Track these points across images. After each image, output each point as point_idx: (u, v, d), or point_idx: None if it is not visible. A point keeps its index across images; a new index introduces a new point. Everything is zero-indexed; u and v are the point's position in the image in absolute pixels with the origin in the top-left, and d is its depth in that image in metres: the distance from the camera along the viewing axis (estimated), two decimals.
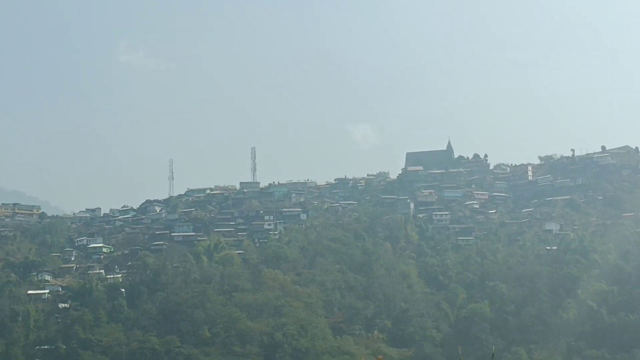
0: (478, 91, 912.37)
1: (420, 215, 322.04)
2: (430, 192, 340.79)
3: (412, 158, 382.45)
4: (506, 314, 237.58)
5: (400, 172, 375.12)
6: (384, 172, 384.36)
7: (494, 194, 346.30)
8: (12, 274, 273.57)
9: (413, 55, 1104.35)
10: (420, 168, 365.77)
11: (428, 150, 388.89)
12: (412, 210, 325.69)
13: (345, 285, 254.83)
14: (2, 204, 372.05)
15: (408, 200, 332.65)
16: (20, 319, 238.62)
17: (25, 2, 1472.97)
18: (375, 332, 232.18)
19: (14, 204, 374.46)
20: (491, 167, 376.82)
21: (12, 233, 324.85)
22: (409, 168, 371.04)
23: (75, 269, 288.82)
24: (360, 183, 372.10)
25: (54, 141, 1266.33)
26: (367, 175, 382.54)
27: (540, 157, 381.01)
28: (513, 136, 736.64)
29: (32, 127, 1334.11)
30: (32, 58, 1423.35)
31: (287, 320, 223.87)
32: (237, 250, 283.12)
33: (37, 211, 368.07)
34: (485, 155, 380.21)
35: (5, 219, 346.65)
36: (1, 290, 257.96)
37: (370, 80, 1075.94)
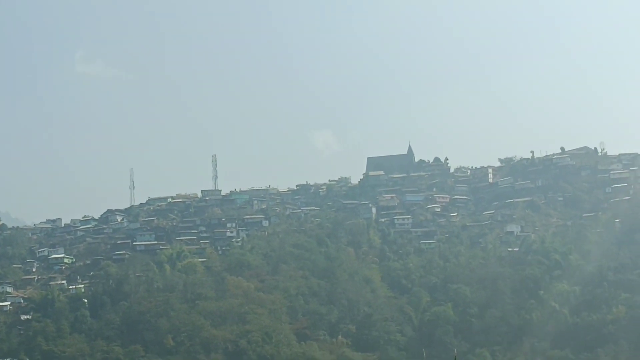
0: (438, 94, 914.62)
1: (382, 220, 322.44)
2: (392, 197, 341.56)
3: (373, 163, 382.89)
4: (470, 316, 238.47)
5: (361, 177, 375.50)
6: (346, 178, 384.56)
7: (455, 197, 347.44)
8: None
9: (372, 60, 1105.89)
10: (382, 173, 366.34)
11: (389, 154, 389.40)
12: (374, 215, 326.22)
13: (308, 291, 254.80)
14: None
15: (370, 205, 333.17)
16: None
17: None
18: (340, 337, 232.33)
19: None
20: (452, 170, 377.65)
21: None
22: (370, 173, 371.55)
23: (37, 280, 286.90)
24: (322, 189, 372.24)
25: (12, 152, 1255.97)
26: (329, 180, 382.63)
27: (500, 160, 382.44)
28: (473, 139, 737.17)
29: None
30: None
31: (252, 327, 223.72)
32: (200, 258, 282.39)
33: None
34: (446, 159, 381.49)
35: None
36: None
37: (330, 87, 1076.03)
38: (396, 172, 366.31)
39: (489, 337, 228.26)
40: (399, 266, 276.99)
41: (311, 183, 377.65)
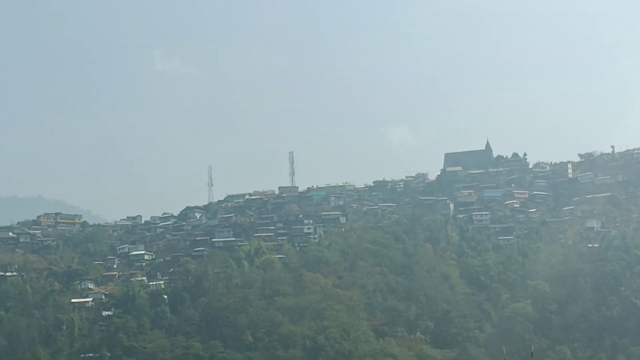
0: (516, 90, 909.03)
1: (460, 216, 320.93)
2: (470, 193, 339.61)
3: (451, 159, 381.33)
4: (549, 313, 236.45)
5: (439, 173, 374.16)
6: (423, 174, 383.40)
7: (534, 192, 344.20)
8: (56, 283, 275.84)
9: (448, 55, 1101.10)
10: (459, 168, 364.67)
11: (466, 150, 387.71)
12: (451, 211, 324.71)
13: (386, 288, 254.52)
14: (45, 213, 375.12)
15: (447, 201, 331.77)
16: (64, 327, 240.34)
17: (62, 12, 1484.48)
18: (418, 333, 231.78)
19: (56, 214, 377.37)
20: (530, 165, 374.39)
21: (54, 242, 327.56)
22: (448, 169, 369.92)
23: (118, 276, 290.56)
24: (399, 185, 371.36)
25: (94, 150, 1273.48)
26: (406, 177, 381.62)
27: (580, 155, 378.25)
28: (552, 134, 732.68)
29: (72, 137, 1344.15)
30: (69, 68, 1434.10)
31: (330, 324, 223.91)
32: (278, 254, 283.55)
33: (79, 220, 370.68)
34: (525, 154, 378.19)
35: (48, 229, 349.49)
36: (45, 299, 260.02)
37: (406, 83, 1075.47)
38: (474, 168, 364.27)
39: (569, 334, 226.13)
40: (478, 262, 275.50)
41: (388, 179, 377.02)
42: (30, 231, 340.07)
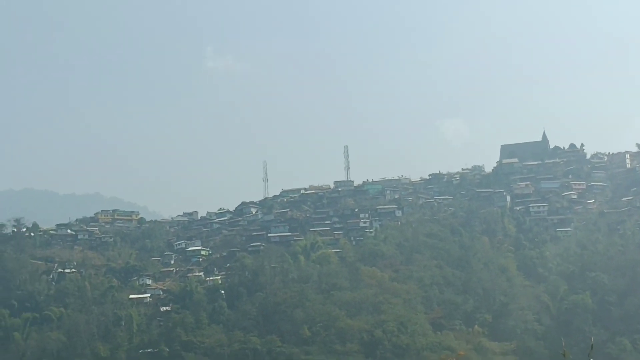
0: (572, 80, 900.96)
1: (517, 208, 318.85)
2: (527, 184, 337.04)
3: (507, 150, 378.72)
4: (609, 304, 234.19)
5: (495, 165, 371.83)
6: (479, 166, 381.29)
7: (592, 183, 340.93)
8: (114, 279, 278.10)
9: (502, 47, 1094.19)
10: (516, 160, 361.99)
11: (523, 142, 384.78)
12: (508, 203, 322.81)
13: (443, 281, 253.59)
14: (102, 210, 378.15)
15: (504, 193, 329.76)
16: (123, 323, 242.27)
17: (112, 9, 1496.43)
18: (476, 326, 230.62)
19: (113, 210, 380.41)
20: (588, 156, 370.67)
21: (112, 239, 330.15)
22: (504, 161, 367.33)
23: (175, 272, 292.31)
24: (455, 178, 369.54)
25: (150, 147, 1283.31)
26: (462, 169, 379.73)
27: (638, 145, 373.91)
28: (609, 124, 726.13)
29: (127, 134, 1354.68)
30: (122, 66, 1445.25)
31: (387, 317, 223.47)
32: (334, 248, 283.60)
33: (136, 217, 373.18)
34: (582, 145, 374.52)
35: (106, 226, 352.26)
36: (104, 295, 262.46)
37: (459, 76, 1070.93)
38: (530, 160, 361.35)
39: (629, 325, 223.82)
40: (535, 254, 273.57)
41: (444, 172, 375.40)
42: (88, 228, 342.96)
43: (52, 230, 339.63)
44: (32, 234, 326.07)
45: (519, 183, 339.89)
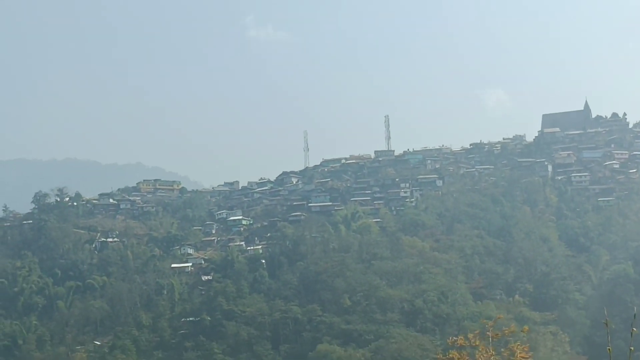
0: (614, 48, 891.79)
1: (559, 177, 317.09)
2: (569, 154, 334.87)
3: (549, 120, 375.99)
4: None
5: (536, 135, 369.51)
6: (520, 135, 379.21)
7: (635, 152, 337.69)
8: (156, 249, 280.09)
9: (544, 16, 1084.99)
10: (557, 129, 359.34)
11: (565, 111, 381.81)
12: (550, 173, 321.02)
13: (484, 250, 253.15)
14: (144, 180, 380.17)
15: (545, 163, 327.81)
16: (165, 292, 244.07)
17: None
18: (517, 296, 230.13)
19: (155, 180, 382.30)
20: (630, 125, 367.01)
21: (154, 208, 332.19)
22: (546, 130, 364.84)
23: (216, 241, 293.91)
24: (496, 147, 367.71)
25: (191, 117, 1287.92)
26: (503, 139, 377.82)
27: None
28: None
29: (169, 104, 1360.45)
30: (166, 36, 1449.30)
31: (427, 287, 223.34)
32: (374, 218, 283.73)
33: (178, 186, 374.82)
34: (624, 114, 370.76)
35: (148, 195, 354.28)
36: (146, 264, 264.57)
37: (501, 46, 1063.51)
38: (572, 129, 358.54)
39: None
40: (577, 224, 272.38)
41: (485, 142, 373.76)
42: (130, 198, 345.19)
43: (94, 199, 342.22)
44: (75, 204, 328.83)
45: (561, 152, 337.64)
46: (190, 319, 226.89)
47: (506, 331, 37.36)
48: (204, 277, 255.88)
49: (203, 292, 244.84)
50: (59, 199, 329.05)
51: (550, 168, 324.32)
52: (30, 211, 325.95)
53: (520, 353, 34.40)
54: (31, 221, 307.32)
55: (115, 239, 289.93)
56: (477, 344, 34.83)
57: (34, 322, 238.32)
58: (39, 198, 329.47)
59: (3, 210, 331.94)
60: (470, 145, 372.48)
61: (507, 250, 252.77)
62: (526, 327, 45.16)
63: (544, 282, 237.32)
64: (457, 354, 34.86)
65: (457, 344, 35.39)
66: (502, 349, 35.30)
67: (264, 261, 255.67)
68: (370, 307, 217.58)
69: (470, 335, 36.01)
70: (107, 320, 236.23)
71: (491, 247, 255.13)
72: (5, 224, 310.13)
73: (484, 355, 34.27)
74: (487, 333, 35.70)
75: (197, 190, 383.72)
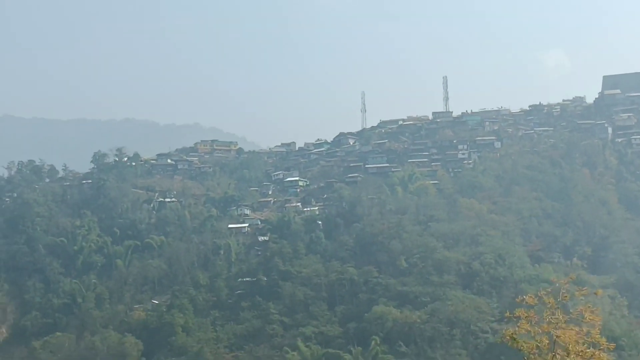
0: None
1: (619, 140, 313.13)
2: (629, 116, 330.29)
3: (609, 81, 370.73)
4: None
5: (596, 97, 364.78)
6: (580, 97, 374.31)
7: None
8: (213, 209, 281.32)
9: None
10: (618, 91, 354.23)
11: (626, 72, 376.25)
12: (610, 135, 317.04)
13: (542, 213, 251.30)
14: (201, 141, 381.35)
15: (606, 125, 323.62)
16: (222, 252, 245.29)
17: None
18: (575, 259, 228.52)
19: (212, 141, 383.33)
20: None
21: (211, 169, 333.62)
22: (606, 92, 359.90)
23: (273, 202, 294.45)
24: (555, 109, 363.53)
25: (249, 78, 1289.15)
26: (562, 100, 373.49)
27: None
28: None
29: (227, 66, 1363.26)
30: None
31: (484, 249, 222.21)
32: (432, 180, 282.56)
33: (235, 147, 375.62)
34: None
35: (205, 156, 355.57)
36: (203, 224, 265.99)
37: (561, 6, 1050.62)
38: (633, 91, 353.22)
39: None
40: (637, 187, 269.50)
41: (544, 103, 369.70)
42: (187, 158, 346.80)
43: (152, 160, 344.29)
44: (134, 164, 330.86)
45: (621, 114, 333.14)
46: (247, 279, 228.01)
47: (578, 293, 37.24)
48: (261, 238, 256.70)
49: (259, 253, 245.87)
50: (117, 159, 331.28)
51: (610, 130, 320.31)
52: (89, 171, 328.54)
53: (589, 315, 34.19)
54: (90, 181, 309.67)
55: (173, 199, 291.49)
56: (549, 301, 34.64)
57: (93, 280, 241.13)
58: (98, 158, 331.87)
59: (63, 169, 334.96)
60: (529, 107, 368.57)
61: (565, 213, 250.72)
62: (599, 291, 44.78)
63: (603, 245, 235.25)
64: (525, 312, 34.69)
65: (525, 302, 35.19)
66: (571, 310, 35.08)
67: (320, 222, 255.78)
68: (426, 269, 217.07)
69: (540, 293, 35.87)
70: (164, 280, 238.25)
71: (549, 209, 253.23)
72: (65, 184, 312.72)
73: (552, 315, 34.01)
74: (551, 294, 35.51)
75: (254, 151, 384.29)
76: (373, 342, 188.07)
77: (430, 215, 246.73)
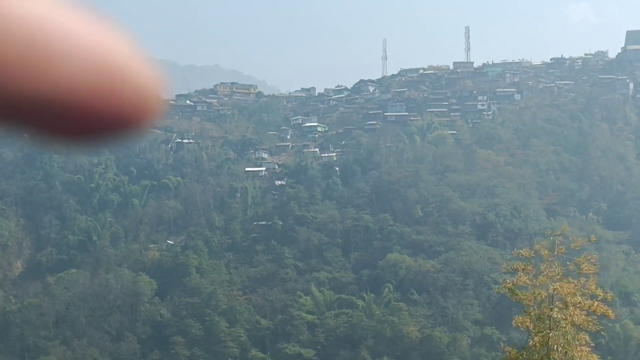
0: None
1: None
2: None
3: (633, 36, 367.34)
4: None
5: (619, 52, 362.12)
6: (602, 52, 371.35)
7: None
8: (231, 152, 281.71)
9: None
10: None
11: None
12: (631, 91, 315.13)
13: (559, 167, 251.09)
14: (221, 83, 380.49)
15: (627, 80, 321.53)
16: (238, 195, 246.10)
17: None
18: (590, 214, 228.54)
19: (232, 83, 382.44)
20: None
21: (230, 112, 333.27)
22: (629, 47, 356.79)
23: (291, 147, 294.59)
24: (577, 63, 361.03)
25: (270, 22, 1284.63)
26: (585, 54, 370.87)
27: None
28: None
29: (247, 7, 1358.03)
30: None
31: (500, 201, 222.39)
32: (450, 130, 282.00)
33: (254, 90, 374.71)
34: None
35: (224, 98, 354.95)
36: (220, 167, 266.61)
37: None
38: None
39: None
40: None
41: (566, 57, 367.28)
42: (206, 100, 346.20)
43: (171, 100, 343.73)
44: None
45: None
46: (262, 222, 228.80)
47: (574, 245, 37.37)
48: (277, 182, 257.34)
49: (276, 197, 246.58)
50: None
51: (631, 86, 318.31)
52: None
53: (585, 266, 34.31)
54: None
55: (191, 140, 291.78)
56: (545, 254, 34.77)
57: (109, 218, 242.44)
58: None
59: None
60: (551, 60, 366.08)
61: (582, 167, 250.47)
62: (593, 237, 45.02)
63: (619, 201, 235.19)
64: (522, 265, 34.84)
65: (522, 255, 35.36)
66: (568, 262, 35.27)
67: (337, 169, 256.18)
68: (441, 219, 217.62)
69: (537, 246, 36.04)
70: (180, 220, 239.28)
71: (567, 163, 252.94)
72: None
73: (549, 267, 34.19)
74: (555, 246, 35.68)
75: (273, 95, 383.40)
76: (386, 289, 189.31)
77: (447, 165, 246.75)
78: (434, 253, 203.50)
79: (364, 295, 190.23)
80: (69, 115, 1.50)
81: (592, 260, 35.04)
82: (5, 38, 1.37)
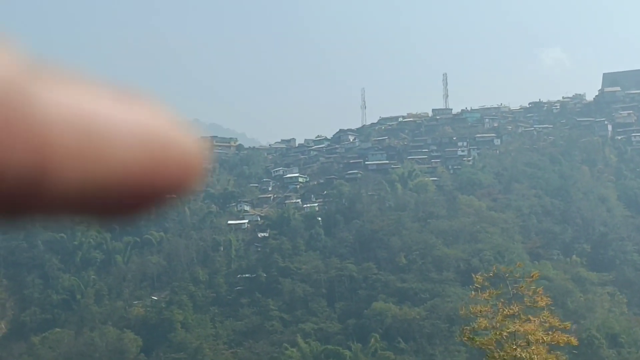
0: None
1: (619, 137, 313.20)
2: (629, 113, 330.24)
3: (609, 79, 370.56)
4: None
5: (596, 94, 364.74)
6: (580, 94, 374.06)
7: None
8: (213, 205, 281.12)
9: None
10: (618, 89, 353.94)
11: (626, 70, 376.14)
12: (610, 133, 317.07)
13: (542, 210, 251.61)
14: (201, 137, 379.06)
15: (605, 122, 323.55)
16: (221, 248, 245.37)
17: None
18: (574, 256, 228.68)
19: (212, 137, 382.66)
20: None
21: (211, 165, 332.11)
22: (606, 89, 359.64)
23: (273, 198, 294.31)
24: (555, 106, 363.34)
25: (249, 74, 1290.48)
26: (562, 97, 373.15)
27: None
28: None
29: (227, 61, 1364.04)
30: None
31: (484, 246, 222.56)
32: (431, 177, 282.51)
33: (234, 143, 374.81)
34: None
35: (204, 152, 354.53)
36: (203, 221, 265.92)
37: (559, 4, 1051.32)
38: (634, 88, 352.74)
39: None
40: (637, 185, 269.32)
41: (544, 100, 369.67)
42: None
43: None
44: None
45: (621, 112, 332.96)
46: (246, 275, 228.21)
47: (528, 280, 38.57)
48: (260, 234, 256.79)
49: (259, 249, 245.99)
50: None
51: (610, 128, 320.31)
52: None
53: (540, 298, 34.90)
54: None
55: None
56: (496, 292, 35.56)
57: (92, 276, 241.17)
58: None
59: None
60: (529, 104, 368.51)
61: (564, 210, 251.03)
62: (536, 273, 45.56)
63: (602, 242, 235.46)
64: (479, 308, 35.43)
65: (476, 297, 36.04)
66: (525, 298, 36.04)
67: (320, 219, 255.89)
68: (426, 266, 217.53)
69: (477, 279, 37.17)
70: (163, 276, 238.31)
71: (549, 206, 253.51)
72: None
73: (506, 306, 34.73)
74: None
75: (254, 147, 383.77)
76: (372, 339, 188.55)
77: (430, 212, 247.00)
78: (419, 300, 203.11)
79: (351, 345, 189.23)
80: (120, 198, 1.40)
81: (542, 294, 35.90)
82: (57, 133, 1.30)
